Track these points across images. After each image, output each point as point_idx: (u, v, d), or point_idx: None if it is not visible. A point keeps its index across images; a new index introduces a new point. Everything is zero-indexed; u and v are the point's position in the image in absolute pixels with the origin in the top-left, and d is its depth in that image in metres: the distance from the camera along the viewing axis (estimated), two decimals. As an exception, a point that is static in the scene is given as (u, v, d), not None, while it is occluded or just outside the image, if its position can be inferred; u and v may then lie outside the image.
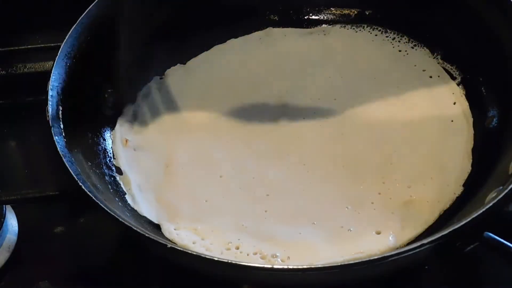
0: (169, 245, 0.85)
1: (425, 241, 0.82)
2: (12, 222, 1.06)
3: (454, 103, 1.12)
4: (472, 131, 1.08)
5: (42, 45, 1.22)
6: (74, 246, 1.06)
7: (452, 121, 1.10)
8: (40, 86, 1.01)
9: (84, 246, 1.06)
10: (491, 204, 0.85)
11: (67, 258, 1.05)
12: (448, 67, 1.17)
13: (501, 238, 0.86)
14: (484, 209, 0.84)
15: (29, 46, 1.25)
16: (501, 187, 0.89)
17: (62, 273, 1.04)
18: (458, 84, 1.15)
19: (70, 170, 0.91)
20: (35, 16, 1.34)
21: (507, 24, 1.06)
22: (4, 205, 1.03)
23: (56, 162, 0.92)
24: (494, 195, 0.89)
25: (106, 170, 1.04)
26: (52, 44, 1.07)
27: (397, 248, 0.93)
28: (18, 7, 1.34)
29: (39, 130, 0.97)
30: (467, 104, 1.12)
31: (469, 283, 1.00)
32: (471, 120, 1.10)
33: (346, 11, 1.28)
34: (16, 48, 1.26)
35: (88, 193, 0.89)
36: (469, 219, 0.83)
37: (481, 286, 1.00)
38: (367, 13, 1.26)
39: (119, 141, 1.10)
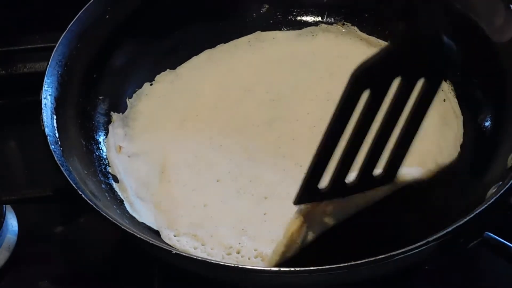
0: (174, 251, 0.85)
1: (430, 239, 0.82)
2: (12, 222, 1.05)
3: (444, 100, 1.13)
4: (461, 128, 1.09)
5: (42, 45, 1.20)
6: (74, 246, 1.06)
7: (442, 118, 1.11)
8: (40, 86, 1.01)
9: (84, 246, 1.06)
10: (493, 199, 0.85)
11: (67, 258, 1.05)
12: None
13: (501, 238, 0.87)
14: (487, 204, 0.85)
15: (29, 46, 1.24)
16: (500, 182, 0.90)
17: (62, 273, 1.04)
18: (448, 82, 1.15)
19: (69, 179, 0.90)
20: (35, 16, 1.34)
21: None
22: (4, 205, 1.02)
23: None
24: (494, 190, 0.90)
25: (102, 178, 1.03)
26: (52, 44, 1.06)
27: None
28: (18, 7, 1.34)
29: (39, 130, 0.96)
30: (456, 101, 1.13)
31: (469, 283, 1.00)
32: (461, 116, 1.11)
33: (333, 11, 1.28)
34: (16, 48, 1.26)
35: (89, 201, 0.88)
36: (472, 215, 0.84)
37: (481, 286, 1.01)
38: (355, 13, 1.27)
39: (113, 148, 1.09)
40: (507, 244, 0.86)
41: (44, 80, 1.02)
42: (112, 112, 1.13)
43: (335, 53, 1.23)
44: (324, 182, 0.88)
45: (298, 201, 0.89)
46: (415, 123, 0.87)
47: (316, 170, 0.86)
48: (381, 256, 0.81)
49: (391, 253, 0.81)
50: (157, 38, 1.22)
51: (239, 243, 0.96)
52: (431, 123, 1.09)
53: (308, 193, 0.89)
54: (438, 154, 1.06)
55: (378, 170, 0.90)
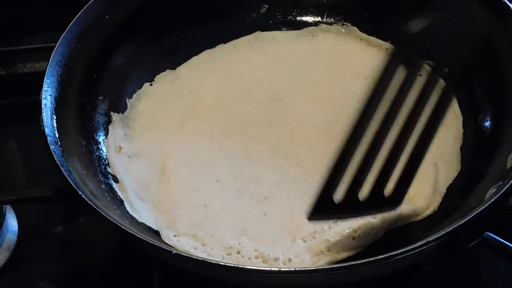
0: (174, 252, 0.85)
1: (430, 239, 0.82)
2: (12, 222, 1.05)
3: (444, 100, 1.13)
4: (461, 128, 1.09)
5: (42, 45, 1.21)
6: (74, 246, 1.07)
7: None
8: (40, 86, 1.01)
9: (84, 246, 1.06)
10: (493, 199, 0.85)
11: (67, 258, 1.06)
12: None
13: (501, 238, 0.87)
14: (487, 204, 0.85)
15: (29, 46, 1.24)
16: (500, 182, 0.90)
17: (62, 273, 1.04)
18: (447, 82, 1.15)
19: (69, 179, 0.90)
20: (35, 16, 1.34)
21: (500, 25, 1.07)
22: (4, 205, 1.03)
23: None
24: (494, 190, 0.90)
25: (102, 178, 1.03)
26: (52, 44, 1.06)
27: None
28: (18, 7, 1.34)
29: (39, 130, 0.97)
30: (456, 101, 1.13)
31: (469, 283, 1.00)
32: (461, 117, 1.11)
33: (333, 11, 1.28)
34: (16, 48, 1.26)
35: (89, 201, 0.88)
36: (472, 215, 0.84)
37: (481, 286, 1.01)
38: (355, 13, 1.27)
39: (113, 148, 1.09)
40: (507, 244, 0.86)
41: (44, 80, 1.02)
42: (112, 112, 1.13)
43: (334, 53, 1.23)
44: (339, 195, 0.86)
45: (312, 216, 0.87)
46: (429, 134, 0.87)
47: (331, 180, 0.85)
48: (381, 256, 0.81)
49: (391, 253, 0.81)
50: (157, 38, 1.22)
51: (239, 243, 0.96)
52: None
53: (322, 207, 0.86)
54: (437, 155, 1.05)
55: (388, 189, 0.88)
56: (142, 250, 0.93)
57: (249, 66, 1.22)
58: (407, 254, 0.82)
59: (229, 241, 0.97)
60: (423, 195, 1.01)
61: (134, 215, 1.00)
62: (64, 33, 1.08)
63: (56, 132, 0.98)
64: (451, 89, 0.88)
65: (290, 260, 0.94)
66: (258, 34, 1.27)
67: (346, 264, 0.82)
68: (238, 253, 0.96)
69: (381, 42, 1.23)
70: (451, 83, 1.12)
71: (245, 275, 0.84)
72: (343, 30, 1.27)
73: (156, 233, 0.99)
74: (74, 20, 1.10)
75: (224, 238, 0.97)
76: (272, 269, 0.84)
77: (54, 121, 1.00)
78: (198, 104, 1.16)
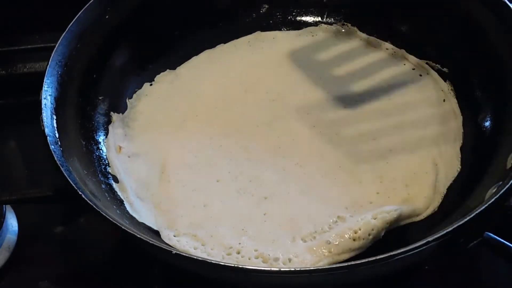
0: (174, 252, 0.85)
1: (430, 239, 0.82)
2: (12, 222, 1.06)
3: (444, 100, 1.13)
4: (461, 128, 1.09)
5: (42, 45, 1.20)
6: (74, 246, 1.07)
7: (442, 118, 1.11)
8: (40, 86, 1.01)
9: (84, 246, 1.06)
10: (493, 199, 0.85)
11: (67, 258, 1.06)
12: (438, 66, 1.17)
13: (501, 238, 0.87)
14: (487, 205, 0.84)
15: (29, 46, 1.24)
16: (500, 182, 0.90)
17: (62, 273, 1.04)
18: (448, 82, 1.15)
19: (69, 179, 0.90)
20: (35, 16, 1.34)
21: (500, 25, 1.07)
22: (4, 205, 1.03)
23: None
24: (494, 190, 0.90)
25: (102, 178, 1.03)
26: (52, 44, 1.06)
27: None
28: (18, 7, 1.34)
29: (39, 130, 0.97)
30: (456, 101, 1.13)
31: (469, 283, 1.00)
32: (460, 117, 1.11)
33: (333, 11, 1.28)
34: (16, 48, 1.26)
35: (89, 201, 0.88)
36: (472, 215, 0.84)
37: (481, 286, 1.01)
38: (355, 13, 1.27)
39: (113, 148, 1.09)
40: (507, 244, 0.86)
41: (44, 80, 1.02)
42: (112, 113, 1.13)
43: (335, 53, 1.23)
44: None
45: None
46: None
47: None
48: (381, 256, 0.81)
49: (391, 253, 0.81)
50: (157, 38, 1.22)
51: (239, 243, 0.96)
52: (431, 123, 1.10)
53: None
54: (437, 155, 1.05)
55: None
56: (142, 250, 0.93)
57: (249, 66, 1.22)
58: (407, 254, 0.82)
59: (229, 241, 0.97)
60: (423, 195, 1.01)
61: (134, 215, 1.00)
62: (64, 33, 1.08)
63: (56, 132, 0.98)
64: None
65: (290, 260, 0.94)
66: (258, 34, 1.27)
67: (346, 264, 0.82)
68: (238, 253, 0.95)
69: (381, 42, 1.23)
70: (451, 83, 1.14)
71: (245, 275, 0.83)
72: (343, 30, 1.27)
73: (156, 233, 0.99)
74: (74, 20, 1.10)
75: (224, 238, 0.97)
76: (272, 269, 0.84)
77: (54, 121, 1.00)
78: (198, 104, 1.16)
